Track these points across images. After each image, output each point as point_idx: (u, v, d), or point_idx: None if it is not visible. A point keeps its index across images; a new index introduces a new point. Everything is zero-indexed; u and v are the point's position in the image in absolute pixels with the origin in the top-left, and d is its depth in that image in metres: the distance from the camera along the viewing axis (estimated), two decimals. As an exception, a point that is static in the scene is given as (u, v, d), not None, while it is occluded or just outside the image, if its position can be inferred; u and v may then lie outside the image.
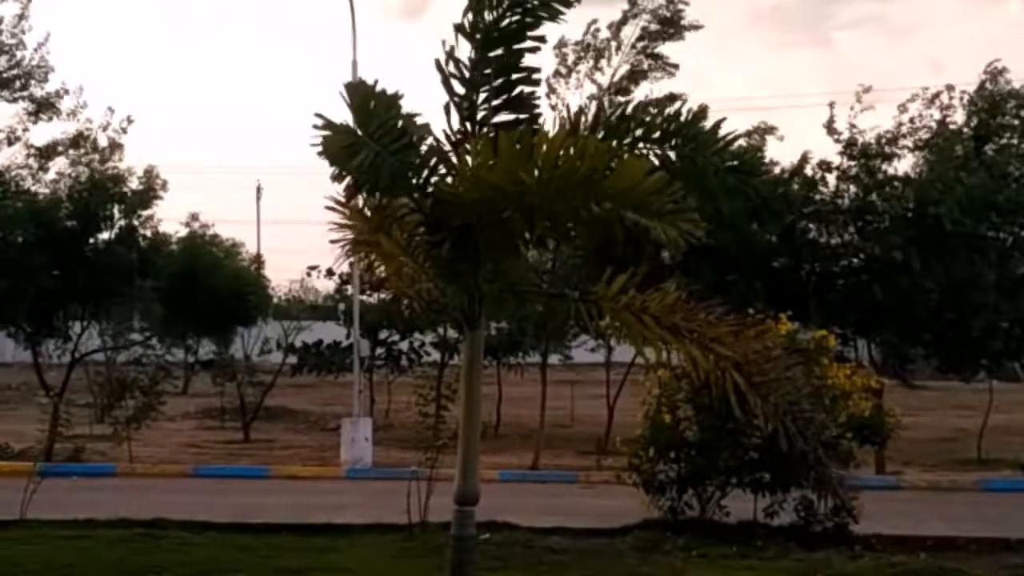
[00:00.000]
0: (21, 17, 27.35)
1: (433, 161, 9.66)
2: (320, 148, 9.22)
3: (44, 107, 27.28)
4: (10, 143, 27.54)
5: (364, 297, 28.42)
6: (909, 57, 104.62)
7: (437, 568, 11.65)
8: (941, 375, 31.44)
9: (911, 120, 25.23)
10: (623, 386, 27.38)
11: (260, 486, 22.57)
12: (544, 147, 8.78)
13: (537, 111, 10.27)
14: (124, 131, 26.59)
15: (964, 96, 25.70)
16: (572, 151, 8.77)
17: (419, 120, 9.61)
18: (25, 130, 27.67)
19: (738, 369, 9.11)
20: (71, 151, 26.67)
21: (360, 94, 9.38)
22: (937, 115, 25.47)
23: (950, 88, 25.52)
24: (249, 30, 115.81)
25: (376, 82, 9.47)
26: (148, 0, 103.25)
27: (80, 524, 16.17)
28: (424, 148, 9.57)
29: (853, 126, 24.89)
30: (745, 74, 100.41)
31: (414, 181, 9.57)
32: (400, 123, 9.33)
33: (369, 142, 9.09)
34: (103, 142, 26.62)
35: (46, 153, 26.91)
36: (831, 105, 25.05)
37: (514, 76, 10.14)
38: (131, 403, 26.26)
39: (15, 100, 27.53)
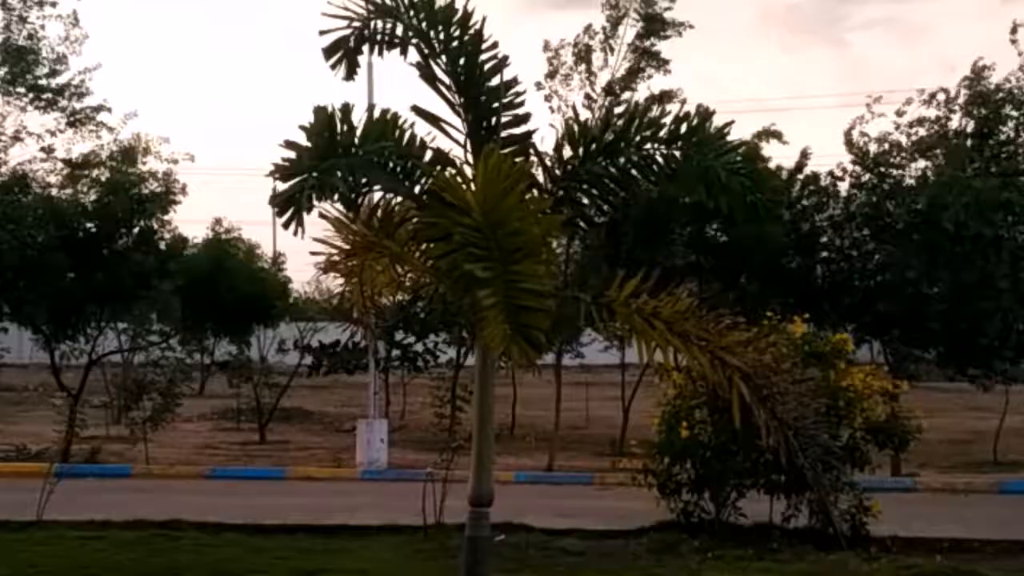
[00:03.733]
0: (67, 38, 27.67)
1: (433, 167, 9.85)
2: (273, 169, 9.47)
3: (79, 121, 27.49)
4: (47, 154, 27.76)
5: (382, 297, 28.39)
6: (923, 58, 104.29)
7: (452, 569, 11.67)
8: (950, 380, 31.32)
9: (910, 124, 25.13)
10: (638, 387, 27.36)
11: (276, 487, 22.62)
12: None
13: (529, 119, 10.30)
14: (149, 151, 26.70)
15: (961, 94, 25.59)
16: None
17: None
18: (53, 136, 27.92)
19: (746, 380, 9.10)
20: (100, 161, 26.80)
21: (321, 117, 9.55)
22: (933, 113, 25.37)
23: (945, 90, 25.41)
24: (263, 30, 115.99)
25: (342, 107, 9.63)
26: (163, 1, 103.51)
27: (97, 525, 16.24)
28: (428, 155, 9.89)
29: (864, 134, 24.89)
30: (757, 75, 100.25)
31: (417, 186, 9.74)
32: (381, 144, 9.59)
33: (308, 164, 9.32)
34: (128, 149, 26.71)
35: (78, 166, 27.07)
36: (852, 124, 24.99)
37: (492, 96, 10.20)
38: (148, 404, 26.34)
39: (47, 111, 27.75)
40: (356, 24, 9.95)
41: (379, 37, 10.04)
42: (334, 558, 14.32)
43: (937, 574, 13.99)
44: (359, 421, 26.48)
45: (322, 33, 9.95)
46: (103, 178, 25.93)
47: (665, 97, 26.59)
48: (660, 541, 15.53)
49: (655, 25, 27.39)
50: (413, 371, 31.99)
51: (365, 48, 10.08)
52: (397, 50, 10.17)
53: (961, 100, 25.12)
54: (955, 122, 25.32)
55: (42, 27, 27.46)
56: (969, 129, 25.16)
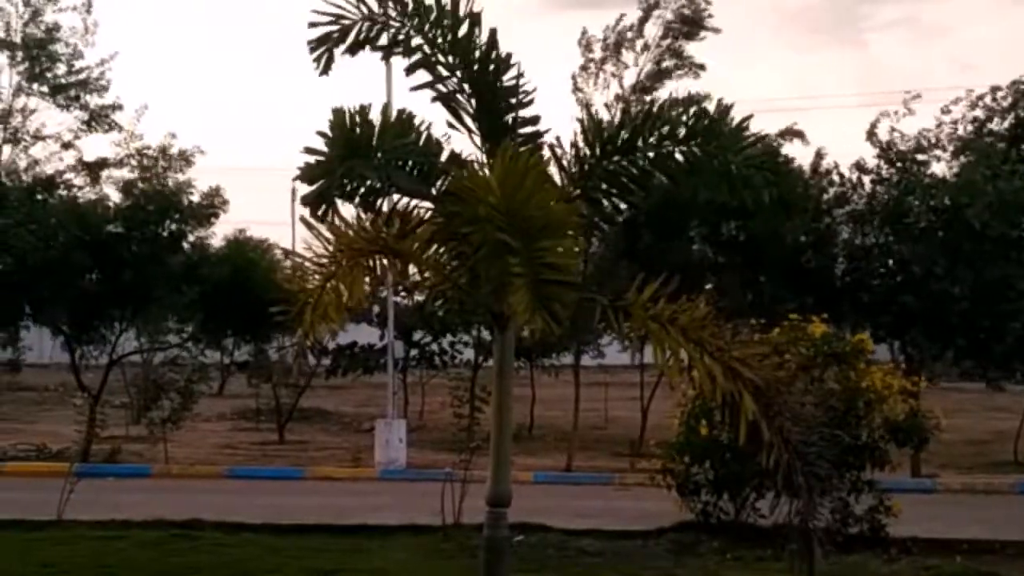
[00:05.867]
0: (85, 31, 27.82)
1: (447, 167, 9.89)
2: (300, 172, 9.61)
3: (98, 119, 27.62)
4: (65, 148, 27.91)
5: (398, 299, 28.50)
6: (940, 58, 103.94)
7: (471, 569, 11.67)
8: (969, 378, 31.23)
9: (954, 123, 25.12)
10: (657, 388, 27.32)
11: (294, 487, 22.68)
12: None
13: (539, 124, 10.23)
14: (187, 160, 26.80)
15: (1008, 94, 25.59)
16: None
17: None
18: (76, 138, 28.06)
19: (757, 395, 9.04)
20: (130, 164, 26.92)
21: (340, 118, 9.62)
22: (978, 114, 25.34)
23: (995, 89, 25.38)
24: (271, 29, 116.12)
25: (363, 107, 9.71)
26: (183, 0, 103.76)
27: (116, 525, 16.27)
28: (445, 155, 9.95)
29: (895, 130, 24.81)
30: (774, 75, 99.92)
31: (435, 188, 9.76)
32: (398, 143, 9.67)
33: (334, 163, 9.42)
34: (165, 150, 26.80)
35: (97, 166, 27.18)
36: (878, 117, 24.96)
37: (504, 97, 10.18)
38: (166, 404, 26.40)
39: (68, 108, 27.89)
40: (345, 22, 9.97)
41: (371, 37, 10.04)
42: (353, 558, 14.33)
43: (957, 575, 13.94)
44: (378, 421, 26.52)
45: (312, 25, 9.99)
46: (140, 184, 26.04)
47: (692, 102, 26.57)
48: (679, 542, 15.51)
49: (693, 28, 27.44)
50: (431, 371, 32.03)
51: (355, 47, 10.08)
52: (397, 53, 10.19)
53: (1007, 101, 25.19)
54: (995, 124, 25.37)
55: (56, 26, 27.65)
56: (1005, 130, 25.18)
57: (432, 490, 16.32)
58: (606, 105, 26.48)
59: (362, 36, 10.01)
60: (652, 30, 27.71)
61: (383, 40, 10.08)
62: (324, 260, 9.75)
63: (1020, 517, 18.64)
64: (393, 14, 10.02)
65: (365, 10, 9.98)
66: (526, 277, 8.70)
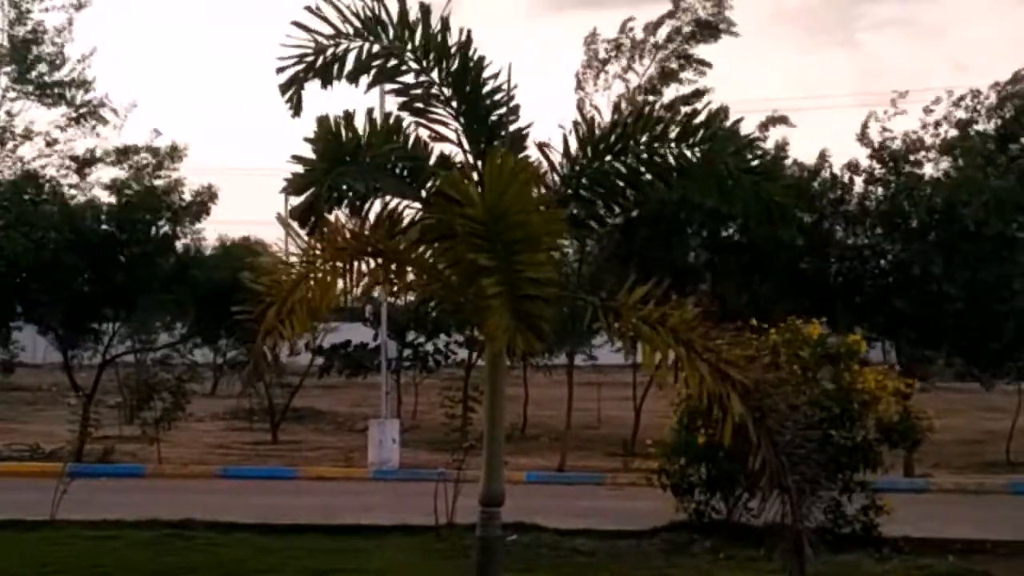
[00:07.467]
0: (68, 26, 27.80)
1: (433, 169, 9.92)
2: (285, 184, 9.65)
3: (85, 115, 27.55)
4: (49, 145, 27.85)
5: (391, 299, 28.48)
6: (936, 58, 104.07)
7: (464, 569, 11.68)
8: (960, 379, 31.30)
9: (936, 124, 25.12)
10: (649, 387, 27.33)
11: (288, 487, 22.65)
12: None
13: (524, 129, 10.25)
14: (177, 156, 26.72)
15: (991, 95, 25.65)
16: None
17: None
18: (62, 130, 27.97)
19: (745, 396, 9.03)
20: (119, 161, 26.80)
21: (324, 126, 9.67)
22: (961, 115, 25.39)
23: (976, 93, 25.46)
24: (265, 29, 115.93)
25: (346, 113, 9.78)
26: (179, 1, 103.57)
27: (110, 525, 16.25)
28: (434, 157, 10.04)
29: (886, 130, 24.78)
30: (771, 75, 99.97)
31: (424, 189, 9.77)
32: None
33: (320, 173, 9.48)
34: (156, 149, 26.70)
35: (84, 162, 27.11)
36: (868, 117, 24.94)
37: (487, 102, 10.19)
38: (159, 404, 26.37)
39: (54, 106, 27.82)
40: (309, 59, 9.86)
41: (336, 64, 9.95)
42: (346, 558, 14.33)
43: (949, 575, 13.96)
44: (371, 421, 26.50)
45: (279, 71, 9.89)
46: (133, 184, 25.97)
47: (696, 96, 26.53)
48: (672, 541, 15.52)
49: (711, 32, 27.35)
50: (424, 371, 32.02)
51: (325, 80, 10.01)
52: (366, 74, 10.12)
53: (990, 102, 25.23)
54: (981, 124, 25.41)
55: (42, 27, 27.61)
56: (992, 131, 25.21)
57: (425, 490, 16.33)
58: (612, 106, 26.37)
59: (329, 65, 9.89)
60: (663, 31, 27.55)
61: (349, 64, 9.96)
62: (298, 260, 9.66)
63: (1012, 517, 18.67)
64: (351, 32, 9.93)
65: (322, 39, 9.86)
66: (504, 296, 8.60)
